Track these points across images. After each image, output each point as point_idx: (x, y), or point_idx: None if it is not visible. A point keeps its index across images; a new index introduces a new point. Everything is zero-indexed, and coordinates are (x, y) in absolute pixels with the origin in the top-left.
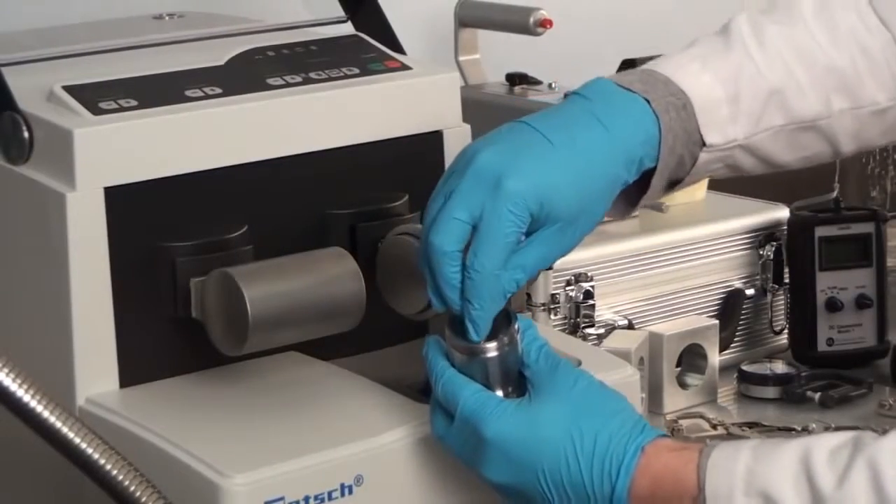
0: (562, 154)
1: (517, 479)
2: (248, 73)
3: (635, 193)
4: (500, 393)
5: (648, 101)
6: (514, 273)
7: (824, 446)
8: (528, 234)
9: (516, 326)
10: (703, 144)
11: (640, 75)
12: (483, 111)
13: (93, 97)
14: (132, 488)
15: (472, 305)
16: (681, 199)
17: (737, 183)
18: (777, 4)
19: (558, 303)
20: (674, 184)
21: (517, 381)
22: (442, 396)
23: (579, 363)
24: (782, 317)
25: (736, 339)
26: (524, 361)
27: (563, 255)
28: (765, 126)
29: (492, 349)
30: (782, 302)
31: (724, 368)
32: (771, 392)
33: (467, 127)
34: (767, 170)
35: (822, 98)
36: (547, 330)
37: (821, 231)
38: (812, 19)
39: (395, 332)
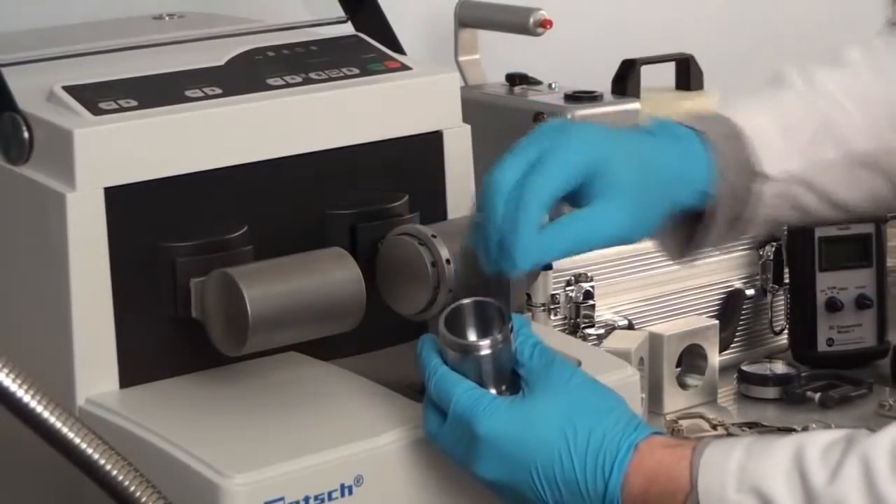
0: (619, 144)
1: (510, 476)
2: (248, 74)
3: (689, 234)
4: (493, 391)
5: (698, 133)
6: (560, 227)
7: (817, 443)
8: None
9: (510, 325)
10: (759, 175)
11: (687, 114)
12: (483, 111)
13: (93, 97)
14: (132, 488)
15: (512, 229)
16: None
17: None
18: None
19: (558, 303)
20: (734, 221)
21: (511, 379)
22: (435, 394)
23: (579, 363)
24: (782, 317)
25: (736, 339)
26: (518, 360)
27: (598, 245)
28: (819, 159)
29: (485, 346)
30: (782, 302)
31: (724, 368)
32: (771, 392)
33: (467, 127)
34: (835, 212)
35: (875, 134)
36: (547, 330)
37: (821, 231)
38: (861, 63)
39: (394, 332)
